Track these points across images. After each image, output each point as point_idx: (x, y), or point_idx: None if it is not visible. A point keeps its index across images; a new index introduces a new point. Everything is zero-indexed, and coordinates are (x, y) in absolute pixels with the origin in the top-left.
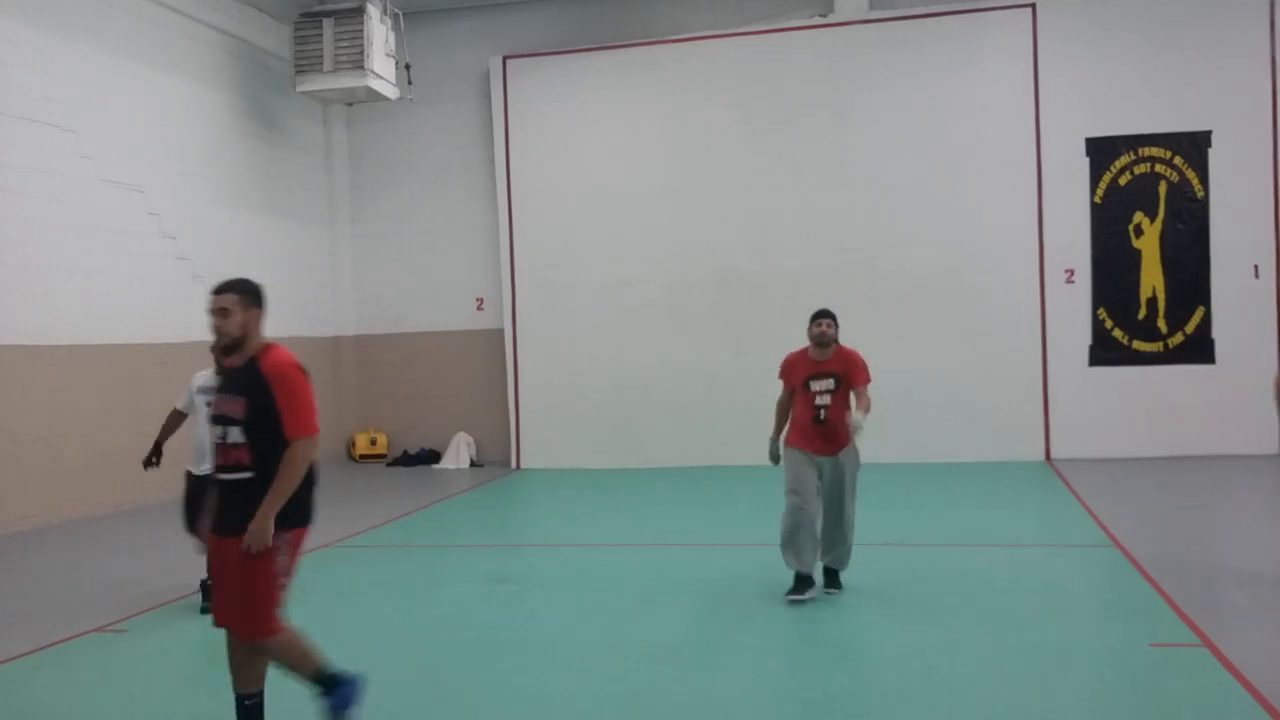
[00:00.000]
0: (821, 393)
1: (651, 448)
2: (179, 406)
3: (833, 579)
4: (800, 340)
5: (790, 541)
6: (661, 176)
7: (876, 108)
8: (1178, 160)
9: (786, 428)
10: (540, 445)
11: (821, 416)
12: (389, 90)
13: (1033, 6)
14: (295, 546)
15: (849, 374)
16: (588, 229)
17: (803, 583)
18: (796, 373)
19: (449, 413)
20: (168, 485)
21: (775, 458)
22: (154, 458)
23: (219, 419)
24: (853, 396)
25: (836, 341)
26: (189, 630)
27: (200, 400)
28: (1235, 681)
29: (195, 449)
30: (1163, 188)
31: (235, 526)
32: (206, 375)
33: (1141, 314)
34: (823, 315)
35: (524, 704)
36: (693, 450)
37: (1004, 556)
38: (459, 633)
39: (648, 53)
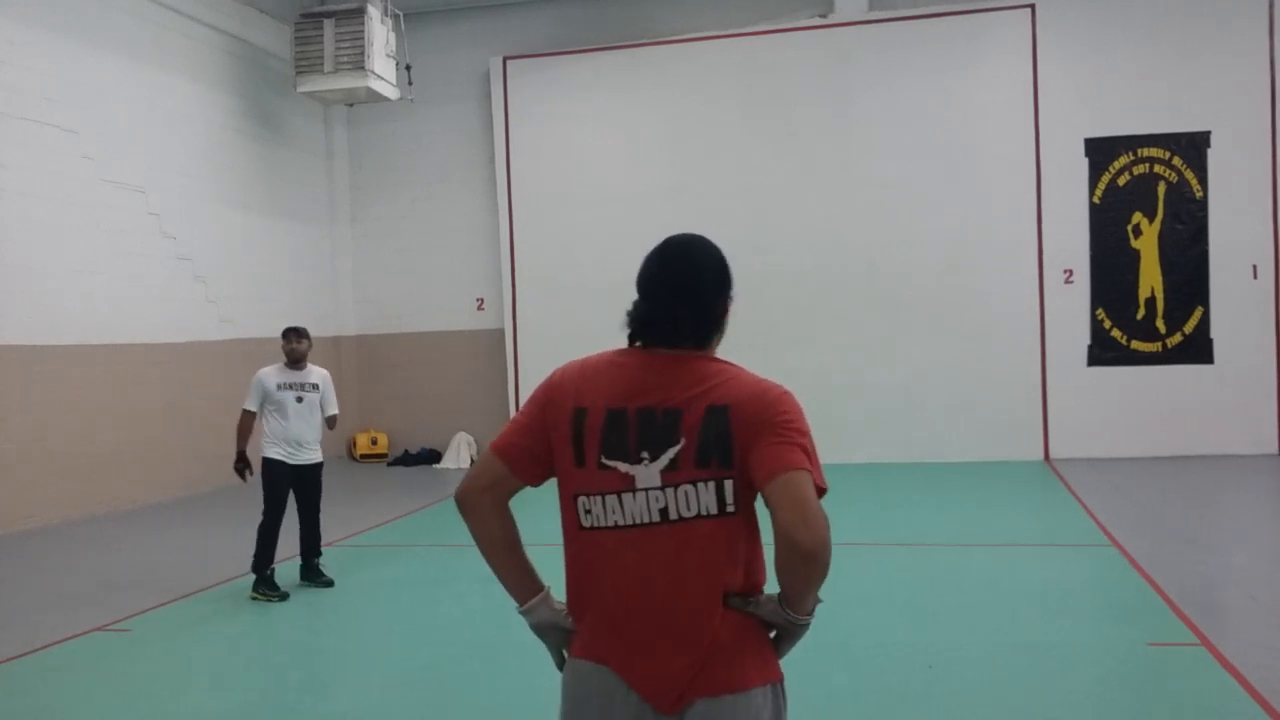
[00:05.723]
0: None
1: None
2: (249, 408)
3: None
4: (800, 344)
5: None
6: (662, 176)
7: (876, 108)
8: (1176, 161)
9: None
10: None
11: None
12: (389, 91)
13: (1032, 6)
14: None
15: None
16: (588, 229)
17: None
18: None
19: (449, 413)
20: (165, 486)
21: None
22: (245, 465)
23: None
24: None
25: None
26: (189, 630)
27: (287, 396)
28: (1234, 681)
29: (289, 439)
30: (1161, 188)
31: None
32: (272, 371)
33: (1140, 314)
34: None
35: (524, 704)
36: None
37: (1003, 556)
38: (460, 632)
39: (648, 53)
